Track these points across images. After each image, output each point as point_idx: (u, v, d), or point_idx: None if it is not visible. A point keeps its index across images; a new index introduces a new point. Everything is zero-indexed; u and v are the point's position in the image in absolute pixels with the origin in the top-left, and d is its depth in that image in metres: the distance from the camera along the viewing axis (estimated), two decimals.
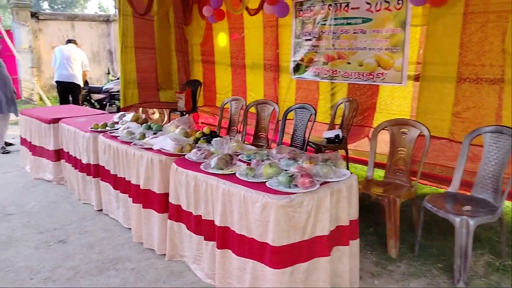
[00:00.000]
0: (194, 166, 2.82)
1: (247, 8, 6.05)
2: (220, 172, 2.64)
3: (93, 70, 11.99)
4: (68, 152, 4.44)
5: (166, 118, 7.94)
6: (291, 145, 4.27)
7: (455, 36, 4.01)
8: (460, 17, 3.96)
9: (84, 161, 4.05)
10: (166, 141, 3.19)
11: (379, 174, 4.27)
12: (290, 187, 2.31)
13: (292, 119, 4.50)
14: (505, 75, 3.73)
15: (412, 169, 3.46)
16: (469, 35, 3.93)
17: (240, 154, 3.07)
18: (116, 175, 3.58)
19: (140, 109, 7.56)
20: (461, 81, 4.04)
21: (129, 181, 3.40)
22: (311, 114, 4.09)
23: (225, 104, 5.24)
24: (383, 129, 3.65)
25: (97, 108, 8.52)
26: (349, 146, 4.93)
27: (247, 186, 2.39)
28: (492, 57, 3.81)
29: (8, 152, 6.40)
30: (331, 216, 2.39)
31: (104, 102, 8.54)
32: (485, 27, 3.82)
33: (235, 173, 2.58)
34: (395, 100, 4.72)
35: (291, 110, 4.34)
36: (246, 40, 6.47)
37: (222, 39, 6.96)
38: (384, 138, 3.97)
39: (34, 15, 11.87)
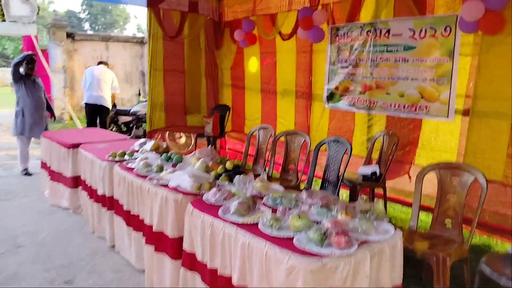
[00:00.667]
0: (211, 209, 2.48)
1: (280, 33, 5.82)
2: (241, 220, 2.28)
3: (125, 91, 12.04)
4: (85, 180, 4.21)
5: (192, 143, 7.70)
6: (323, 180, 3.89)
7: (511, 69, 3.56)
8: None
9: (100, 191, 3.80)
10: (183, 178, 2.87)
11: (421, 218, 3.80)
12: (322, 246, 1.93)
13: (325, 150, 4.12)
14: None
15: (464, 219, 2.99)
16: None
17: (265, 196, 2.71)
18: (130, 211, 3.28)
19: (167, 133, 7.37)
20: None
21: (143, 219, 3.09)
22: (347, 149, 3.69)
23: (253, 132, 4.91)
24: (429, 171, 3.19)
25: (124, 131, 8.41)
26: (387, 183, 4.48)
27: (271, 241, 2.02)
28: None
29: (30, 175, 6.28)
30: (371, 282, 1.98)
31: (131, 125, 8.41)
32: None
33: (257, 223, 2.22)
34: (440, 136, 4.26)
35: (324, 143, 3.96)
36: (278, 65, 6.19)
37: (253, 64, 6.71)
38: (428, 177, 3.52)
39: (70, 35, 12.08)
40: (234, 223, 2.26)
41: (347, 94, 5.07)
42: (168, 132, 7.35)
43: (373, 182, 4.26)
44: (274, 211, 2.41)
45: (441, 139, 4.26)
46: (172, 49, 6.75)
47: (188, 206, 2.60)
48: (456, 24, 3.93)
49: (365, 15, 4.77)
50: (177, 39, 6.72)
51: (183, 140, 8.18)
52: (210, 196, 2.64)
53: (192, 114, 7.21)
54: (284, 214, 2.26)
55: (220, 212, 2.40)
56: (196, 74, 7.17)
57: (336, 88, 5.20)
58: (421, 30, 4.22)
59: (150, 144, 4.02)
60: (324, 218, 2.22)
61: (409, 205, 4.52)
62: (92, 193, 4.00)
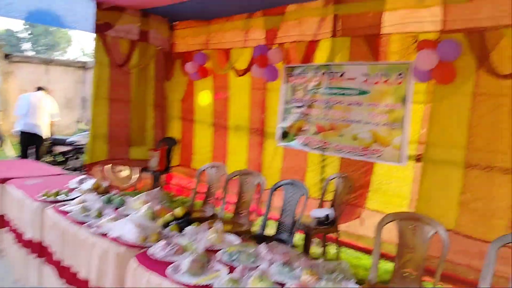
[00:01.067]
0: (159, 266, 2.19)
1: (234, 68, 5.69)
2: (194, 281, 2.02)
3: (65, 116, 11.30)
4: (11, 221, 3.71)
5: (135, 177, 7.24)
6: (278, 224, 3.71)
7: (463, 118, 3.66)
8: (469, 97, 3.62)
9: (28, 235, 3.34)
10: (126, 226, 2.56)
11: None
12: None
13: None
14: None
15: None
16: (478, 118, 3.58)
17: (220, 249, 2.46)
18: (62, 261, 2.88)
19: (108, 166, 6.90)
20: (470, 168, 3.63)
21: (78, 272, 2.70)
22: (303, 193, 3.55)
23: (203, 169, 4.66)
24: (388, 222, 3.10)
25: (60, 161, 7.80)
26: (339, 227, 4.38)
27: None
28: (504, 144, 3.43)
29: None
30: None
31: (68, 156, 7.82)
32: (497, 111, 3.47)
33: (212, 285, 1.97)
34: (393, 181, 4.26)
35: (280, 186, 3.80)
36: (231, 100, 6.06)
37: (205, 97, 6.52)
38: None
39: (7, 56, 11.29)
40: (186, 285, 1.98)
41: (301, 133, 5.01)
42: (109, 165, 6.87)
43: (327, 226, 4.14)
44: (231, 269, 2.17)
45: (393, 184, 4.26)
46: (118, 78, 6.43)
47: (132, 261, 2.29)
48: (408, 72, 4.01)
49: (321, 57, 4.79)
50: (124, 68, 6.42)
51: (125, 173, 7.70)
52: (158, 249, 2.35)
53: (136, 146, 6.83)
54: (243, 274, 2.02)
55: (169, 271, 2.11)
56: (143, 105, 6.84)
57: (290, 127, 5.13)
58: (374, 76, 4.27)
59: (89, 182, 3.64)
60: (287, 279, 2.02)
61: (361, 250, 4.46)
62: (19, 236, 3.51)
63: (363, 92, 4.37)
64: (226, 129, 6.14)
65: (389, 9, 4.12)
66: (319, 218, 4.19)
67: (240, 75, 5.73)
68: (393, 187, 4.25)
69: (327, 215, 4.21)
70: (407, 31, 4.02)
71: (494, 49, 3.45)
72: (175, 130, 7.11)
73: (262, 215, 3.93)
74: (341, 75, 4.55)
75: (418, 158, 4.04)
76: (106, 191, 3.58)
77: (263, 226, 3.77)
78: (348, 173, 4.52)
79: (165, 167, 6.67)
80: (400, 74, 4.09)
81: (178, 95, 6.89)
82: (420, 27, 3.93)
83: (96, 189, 3.54)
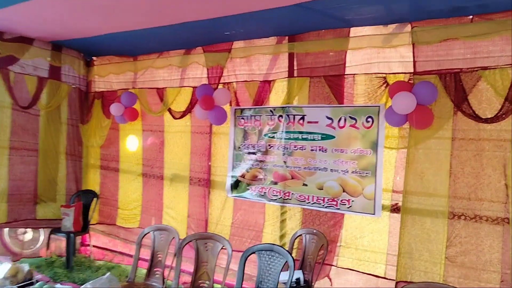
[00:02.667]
0: None
1: (170, 110, 5.00)
2: None
3: None
4: None
5: (42, 240, 5.92)
6: None
7: (443, 164, 3.43)
8: (448, 142, 3.42)
9: None
10: None
11: None
12: None
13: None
14: (510, 214, 3.14)
15: None
16: (460, 164, 3.37)
17: None
18: None
19: (7, 230, 5.55)
20: (455, 218, 3.38)
21: None
22: (286, 262, 2.96)
23: (145, 235, 3.82)
24: None
25: None
26: None
27: None
28: (490, 192, 3.24)
29: None
30: None
31: None
32: (479, 156, 3.29)
33: None
34: (367, 234, 3.87)
35: (253, 252, 3.15)
36: (166, 146, 5.29)
37: (132, 143, 5.67)
38: None
39: None
40: None
41: (256, 183, 4.44)
42: (8, 228, 5.54)
43: None
44: None
45: (367, 238, 3.87)
46: (23, 122, 5.37)
47: None
48: (378, 116, 3.73)
49: (276, 98, 4.35)
50: (31, 109, 5.35)
51: (28, 236, 6.32)
52: None
53: (44, 204, 5.66)
54: None
55: None
56: (54, 153, 5.76)
57: (243, 176, 4.54)
58: (340, 119, 3.93)
59: (4, 268, 2.64)
60: None
61: None
62: None
63: (327, 137, 3.99)
64: (161, 179, 5.33)
65: (352, 48, 3.85)
66: (289, 283, 3.59)
67: (178, 118, 5.05)
68: (368, 241, 3.86)
69: (298, 279, 3.64)
70: (374, 72, 3.77)
71: (471, 91, 3.31)
72: (92, 181, 6.07)
73: None
74: (301, 119, 4.13)
75: (393, 209, 3.72)
76: (28, 277, 2.61)
77: None
78: (314, 227, 4.06)
79: (82, 227, 5.57)
80: (368, 118, 3.79)
81: (97, 140, 5.91)
82: (388, 68, 3.71)
83: (13, 276, 2.56)
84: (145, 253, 3.96)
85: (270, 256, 3.06)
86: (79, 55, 5.81)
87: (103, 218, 5.93)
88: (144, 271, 4.13)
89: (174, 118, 5.07)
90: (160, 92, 5.24)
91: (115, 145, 5.85)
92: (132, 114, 5.42)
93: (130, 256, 5.54)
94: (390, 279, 3.70)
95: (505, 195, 3.17)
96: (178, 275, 3.41)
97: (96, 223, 5.95)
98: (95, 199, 5.72)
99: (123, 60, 5.60)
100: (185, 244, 3.47)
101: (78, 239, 5.90)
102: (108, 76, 5.73)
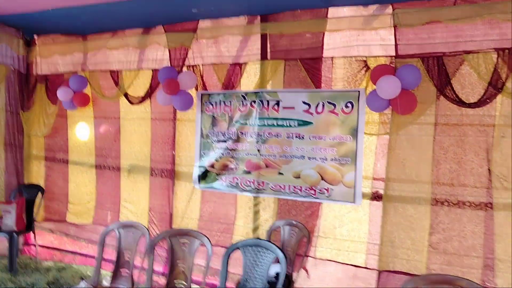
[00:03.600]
0: None
1: (126, 95, 4.56)
2: None
3: None
4: None
5: None
6: None
7: (426, 150, 3.37)
8: (431, 127, 3.35)
9: None
10: None
11: None
12: None
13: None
14: (493, 199, 3.14)
15: None
16: (442, 149, 3.32)
17: None
18: None
19: None
20: (437, 204, 3.33)
21: None
22: (275, 257, 2.73)
23: (108, 232, 3.40)
24: None
25: None
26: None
27: None
28: (473, 177, 3.21)
29: None
30: None
31: None
32: (463, 141, 3.25)
33: None
34: (346, 223, 3.75)
35: (237, 247, 2.88)
36: (122, 134, 4.83)
37: (82, 131, 5.13)
38: None
39: None
40: None
41: (226, 172, 4.16)
42: None
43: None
44: None
45: (346, 227, 3.75)
46: None
47: None
48: (358, 101, 3.58)
49: (248, 82, 4.07)
50: None
51: None
52: None
53: None
54: None
55: None
56: None
57: (212, 165, 4.23)
58: (317, 105, 3.74)
59: None
60: None
61: None
62: None
63: (304, 123, 3.80)
64: (118, 171, 4.88)
65: (330, 30, 3.66)
66: (282, 280, 3.38)
67: (135, 103, 4.61)
68: (347, 231, 3.74)
69: (277, 274, 3.43)
70: (354, 55, 3.60)
71: (454, 76, 3.24)
72: (36, 174, 5.47)
73: None
74: (276, 104, 3.90)
75: (374, 196, 3.62)
76: None
77: None
78: (290, 217, 3.88)
79: (26, 225, 4.99)
80: (348, 103, 3.63)
81: (42, 129, 5.30)
82: (369, 51, 3.56)
83: None
84: (108, 253, 3.56)
85: (256, 252, 2.81)
86: (18, 33, 5.12)
87: (50, 215, 5.37)
88: (107, 273, 3.75)
89: (132, 103, 4.63)
90: (115, 75, 4.75)
91: (63, 134, 5.29)
92: (82, 100, 4.89)
93: (82, 255, 5.08)
94: (371, 269, 3.61)
95: (487, 180, 3.16)
96: (151, 276, 3.07)
97: (42, 220, 5.37)
98: (40, 193, 5.14)
99: (70, 40, 5.01)
100: (158, 241, 3.14)
101: (21, 239, 5.30)
102: (53, 57, 5.12)
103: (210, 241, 3.02)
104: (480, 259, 3.19)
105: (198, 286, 3.26)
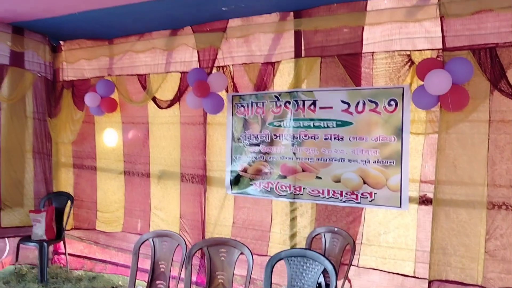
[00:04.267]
0: None
1: (154, 99, 4.43)
2: None
3: None
4: None
5: (8, 250, 5.20)
6: None
7: (480, 149, 3.10)
8: (484, 125, 3.08)
9: None
10: None
11: None
12: None
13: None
14: None
15: None
16: (498, 148, 3.05)
17: None
18: None
19: None
20: (494, 208, 3.06)
21: None
22: (324, 269, 2.53)
23: (143, 242, 3.25)
24: None
25: None
26: None
27: None
28: None
29: None
30: None
31: None
32: None
33: None
34: (392, 230, 3.51)
35: (280, 259, 2.68)
36: (151, 139, 4.71)
37: (110, 137, 5.03)
38: None
39: None
40: None
41: (260, 177, 3.98)
42: None
43: None
44: None
45: (392, 234, 3.51)
46: None
47: None
48: (402, 98, 3.34)
49: (281, 82, 3.89)
50: None
51: None
52: None
53: (10, 209, 4.96)
54: None
55: None
56: (18, 152, 5.05)
57: (244, 170, 4.06)
58: (357, 104, 3.52)
59: None
60: None
61: None
62: None
63: (344, 123, 3.58)
64: (146, 177, 4.76)
65: (370, 23, 3.44)
66: None
67: (164, 108, 4.48)
68: (393, 238, 3.50)
69: (319, 284, 3.22)
70: (396, 49, 3.37)
71: (509, 68, 2.98)
72: (65, 182, 5.41)
73: None
74: (312, 104, 3.69)
75: (422, 200, 3.37)
76: None
77: None
78: (330, 224, 3.66)
79: (56, 234, 4.92)
80: (391, 101, 3.40)
81: (68, 136, 5.22)
82: (413, 44, 3.33)
83: None
84: (142, 263, 3.41)
85: (302, 263, 2.61)
86: (44, 39, 5.08)
87: (79, 223, 5.28)
88: (142, 283, 3.61)
89: (160, 108, 4.50)
90: (142, 79, 4.64)
91: (90, 141, 5.20)
92: (110, 105, 4.79)
93: (113, 264, 4.97)
94: (421, 278, 3.36)
95: None
96: (189, 287, 2.91)
97: (71, 229, 5.30)
98: (69, 202, 5.06)
99: (96, 44, 4.93)
100: (195, 252, 2.97)
101: (51, 248, 5.23)
102: (79, 62, 5.05)
103: (251, 251, 2.83)
104: None
105: None
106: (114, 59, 4.90)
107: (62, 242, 4.98)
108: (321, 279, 3.24)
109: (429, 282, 3.24)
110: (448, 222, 3.19)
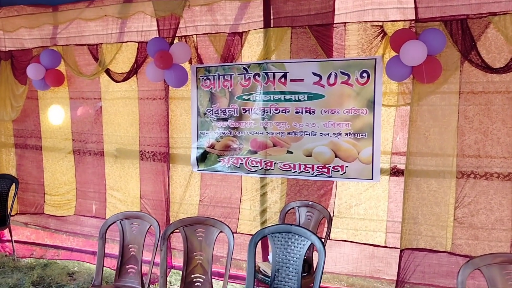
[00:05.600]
0: None
1: (108, 72, 4.10)
2: None
3: None
4: None
5: None
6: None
7: (450, 121, 3.16)
8: (455, 96, 3.14)
9: None
10: None
11: None
12: None
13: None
14: None
15: None
16: (468, 119, 3.13)
17: None
18: None
19: None
20: (463, 177, 3.16)
21: None
22: (311, 244, 2.46)
23: (110, 225, 3.00)
24: None
25: None
26: None
27: None
28: (502, 147, 3.05)
29: None
30: None
31: None
32: (489, 110, 3.07)
33: None
34: (363, 202, 3.53)
35: (264, 236, 2.58)
36: (105, 116, 4.36)
37: (57, 114, 4.61)
38: None
39: None
40: None
41: (229, 153, 3.82)
42: None
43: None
44: None
45: (364, 205, 3.53)
46: None
47: None
48: (375, 70, 3.32)
49: (250, 54, 3.71)
50: None
51: None
52: None
53: None
54: None
55: None
56: None
57: (211, 146, 3.88)
58: (329, 76, 3.45)
59: None
60: None
61: None
62: None
63: (315, 96, 3.50)
64: (100, 156, 4.43)
65: None
66: (321, 269, 3.16)
67: (119, 81, 4.15)
68: (364, 209, 3.52)
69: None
70: (369, 20, 3.32)
71: (479, 39, 3.03)
72: (6, 163, 4.93)
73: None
74: (283, 76, 3.57)
75: (393, 172, 3.41)
76: None
77: None
78: (301, 198, 3.62)
79: (1, 220, 4.49)
80: (363, 73, 3.36)
81: (9, 113, 4.72)
82: (385, 15, 3.29)
83: None
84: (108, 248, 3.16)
85: (287, 239, 2.52)
86: None
87: (25, 207, 4.87)
88: (108, 270, 3.38)
89: (115, 81, 4.16)
90: (94, 50, 4.25)
91: (34, 118, 4.74)
92: (56, 78, 4.36)
93: (67, 249, 4.63)
94: (392, 247, 3.43)
95: None
96: (165, 271, 2.73)
97: (15, 214, 4.85)
98: (13, 185, 4.60)
99: (38, 11, 4.42)
100: (171, 233, 2.78)
101: None
102: (19, 31, 4.52)
103: (231, 230, 2.70)
104: (508, 232, 3.06)
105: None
106: (59, 27, 4.43)
107: (7, 229, 4.53)
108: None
109: (400, 251, 3.31)
110: (419, 192, 3.25)
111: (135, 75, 4.10)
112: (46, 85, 4.38)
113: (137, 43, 4.07)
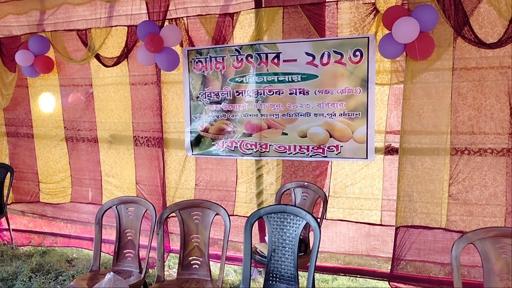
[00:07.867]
0: None
1: (98, 57, 4.04)
2: None
3: None
4: None
5: None
6: (267, 272, 2.53)
7: (443, 98, 3.16)
8: (448, 73, 3.13)
9: None
10: None
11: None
12: None
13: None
14: None
15: None
16: (461, 95, 3.13)
17: None
18: None
19: None
20: (457, 154, 3.17)
21: None
22: (306, 224, 2.48)
23: (106, 211, 3.00)
24: None
25: None
26: None
27: None
28: (494, 123, 3.06)
29: None
30: None
31: None
32: (482, 86, 3.07)
33: None
34: (358, 181, 3.54)
35: (259, 217, 2.58)
36: (97, 102, 4.32)
37: (47, 102, 4.55)
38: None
39: None
40: None
41: (223, 137, 3.81)
42: None
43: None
44: None
45: (359, 184, 3.55)
46: None
47: None
48: (368, 48, 3.29)
49: (242, 35, 3.67)
50: None
51: None
52: None
53: None
54: None
55: None
56: None
57: (205, 130, 3.86)
58: (322, 55, 3.42)
59: None
60: None
61: (327, 270, 3.66)
62: None
63: (309, 77, 3.48)
64: (94, 143, 4.40)
65: None
66: (316, 248, 3.18)
67: (110, 66, 4.10)
68: (360, 189, 3.54)
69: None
70: None
71: (472, 14, 3.01)
72: None
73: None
74: (276, 57, 3.54)
75: (387, 151, 3.42)
76: None
77: (247, 282, 2.53)
78: (297, 179, 3.63)
79: None
80: (356, 51, 3.34)
81: (0, 101, 4.67)
82: None
83: None
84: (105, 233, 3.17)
85: (282, 219, 2.54)
86: None
87: (20, 196, 4.86)
88: (107, 256, 3.39)
89: (106, 66, 4.11)
90: (83, 35, 4.18)
91: (24, 106, 4.69)
92: (45, 64, 4.29)
93: (65, 236, 4.64)
94: (387, 225, 3.47)
95: (510, 125, 3.02)
96: (162, 254, 2.75)
97: (11, 203, 4.84)
98: (8, 173, 4.58)
99: None
100: (167, 217, 2.79)
101: None
102: (6, 18, 4.43)
103: (227, 212, 2.71)
104: (502, 207, 3.10)
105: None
106: (46, 13, 4.35)
107: (4, 218, 4.52)
108: None
109: (396, 229, 3.34)
110: (413, 170, 3.27)
111: (125, 59, 4.05)
112: (35, 71, 4.32)
113: (126, 27, 4.00)
